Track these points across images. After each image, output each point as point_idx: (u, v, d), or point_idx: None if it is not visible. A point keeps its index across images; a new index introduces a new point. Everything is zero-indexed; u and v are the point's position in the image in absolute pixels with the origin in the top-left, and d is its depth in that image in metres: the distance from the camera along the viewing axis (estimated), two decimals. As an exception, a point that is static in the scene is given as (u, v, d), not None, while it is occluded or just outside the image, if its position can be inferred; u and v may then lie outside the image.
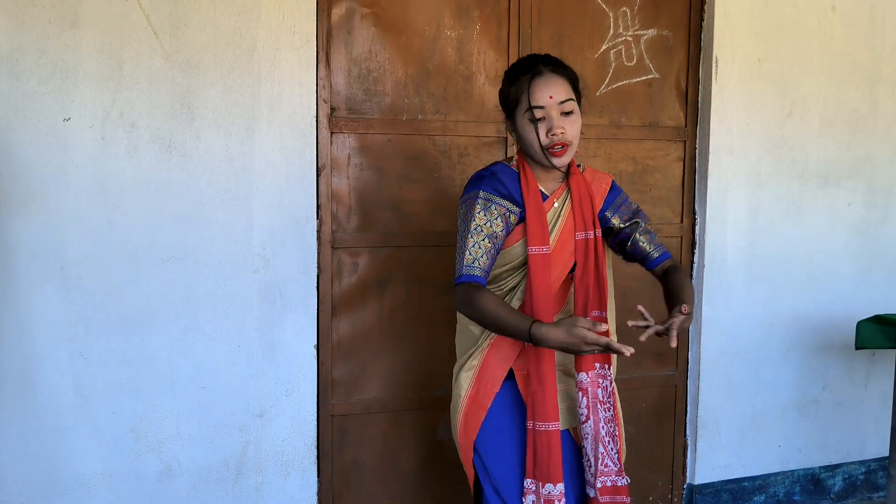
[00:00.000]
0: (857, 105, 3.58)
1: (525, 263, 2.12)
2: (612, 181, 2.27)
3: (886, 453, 3.75)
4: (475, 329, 2.20)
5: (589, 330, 1.86)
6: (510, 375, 2.18)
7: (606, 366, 2.16)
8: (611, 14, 3.22)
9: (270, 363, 2.83)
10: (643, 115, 3.32)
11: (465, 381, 2.21)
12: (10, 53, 2.47)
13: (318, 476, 2.96)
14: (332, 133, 2.89)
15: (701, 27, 3.36)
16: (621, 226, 2.24)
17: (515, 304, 2.15)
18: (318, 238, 2.88)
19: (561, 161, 2.07)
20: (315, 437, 2.92)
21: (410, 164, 3.01)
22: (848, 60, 3.53)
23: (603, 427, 2.15)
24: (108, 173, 2.59)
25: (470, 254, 2.06)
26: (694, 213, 3.43)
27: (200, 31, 2.64)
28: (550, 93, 2.03)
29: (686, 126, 3.39)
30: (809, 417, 3.65)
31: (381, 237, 3.00)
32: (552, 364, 2.12)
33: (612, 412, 2.17)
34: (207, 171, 2.69)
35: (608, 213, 2.24)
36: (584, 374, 2.13)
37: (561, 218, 2.14)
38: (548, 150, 2.05)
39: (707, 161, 3.35)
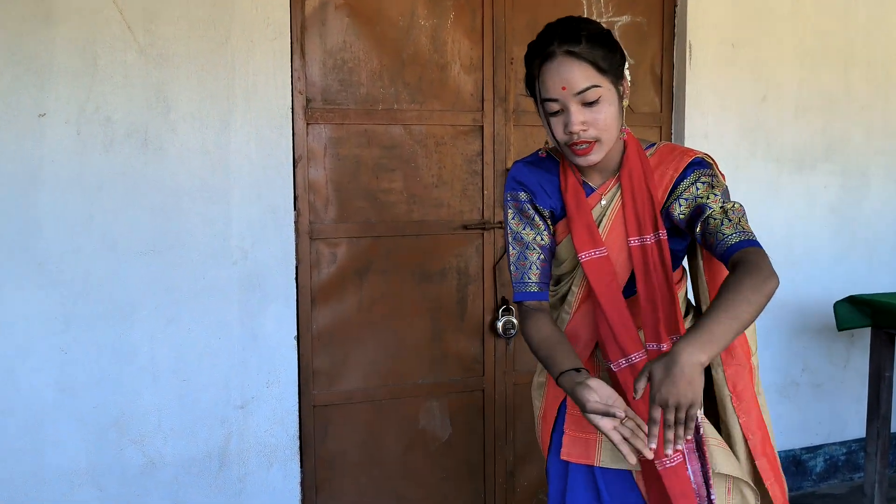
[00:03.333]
0: (831, 88, 3.68)
1: (575, 267, 1.87)
2: (694, 159, 1.81)
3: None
4: None
5: (595, 402, 1.59)
6: None
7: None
8: (584, 1, 3.31)
9: (251, 354, 2.91)
10: (618, 102, 3.39)
11: (536, 400, 2.03)
12: (-15, 50, 2.54)
13: (301, 466, 3.04)
14: (308, 124, 2.97)
15: (675, 13, 3.45)
16: (681, 216, 1.79)
17: (566, 313, 1.91)
18: (297, 229, 2.96)
19: (588, 160, 1.72)
20: (297, 428, 3.00)
21: (387, 154, 3.09)
22: (822, 44, 3.64)
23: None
24: (85, 168, 2.66)
25: (517, 268, 1.87)
26: (671, 199, 3.52)
27: (174, 24, 2.71)
28: (563, 83, 1.66)
29: (661, 112, 3.48)
30: (790, 399, 3.76)
31: (359, 227, 3.07)
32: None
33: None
34: (184, 164, 2.76)
35: (673, 203, 1.80)
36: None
37: (606, 218, 1.82)
38: (569, 148, 1.72)
39: (682, 146, 3.43)
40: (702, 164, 1.81)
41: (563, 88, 1.67)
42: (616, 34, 3.34)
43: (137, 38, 2.68)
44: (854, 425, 3.89)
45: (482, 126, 3.19)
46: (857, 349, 3.85)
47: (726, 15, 3.46)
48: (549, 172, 1.85)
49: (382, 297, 3.14)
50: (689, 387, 1.46)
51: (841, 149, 3.73)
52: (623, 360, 1.80)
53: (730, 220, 1.71)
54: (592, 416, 1.60)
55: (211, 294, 2.83)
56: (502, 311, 3.23)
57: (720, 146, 3.49)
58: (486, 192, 3.21)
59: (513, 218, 1.87)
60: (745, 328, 1.54)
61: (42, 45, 2.58)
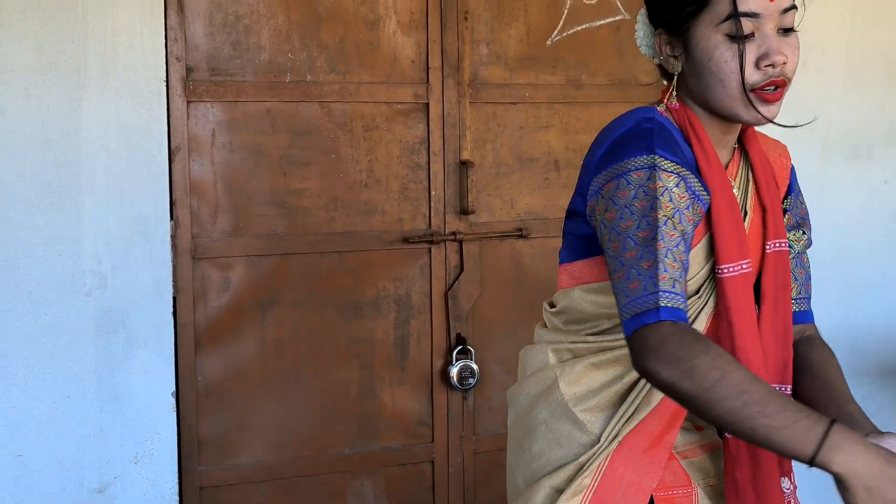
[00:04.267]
0: (891, 51, 3.72)
1: (700, 289, 1.72)
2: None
3: None
4: (591, 419, 1.75)
5: None
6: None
7: None
8: (563, -65, 3.32)
9: (113, 419, 2.86)
10: (610, 71, 3.42)
11: None
12: None
13: (184, 571, 2.99)
14: (188, 102, 2.94)
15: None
16: (792, 238, 1.86)
17: None
18: (174, 246, 2.93)
19: (773, 111, 1.67)
20: (178, 519, 2.95)
21: (298, 142, 3.07)
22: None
23: None
24: None
25: (665, 269, 1.52)
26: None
27: (1, -33, 2.66)
28: None
29: (669, 83, 3.49)
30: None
31: (262, 242, 3.05)
32: (776, 473, 1.71)
33: None
34: (16, 159, 2.72)
35: (787, 209, 1.87)
36: (787, 479, 1.73)
37: (749, 216, 1.78)
38: (756, 93, 1.64)
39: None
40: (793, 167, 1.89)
41: (772, 1, 1.61)
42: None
43: (-50, -13, 2.63)
44: None
45: (427, 104, 3.18)
46: None
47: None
48: (685, 144, 1.70)
49: (294, 338, 3.11)
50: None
51: (907, 131, 3.78)
52: None
53: (807, 273, 1.88)
54: None
55: (55, 337, 2.78)
56: (457, 353, 3.22)
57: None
58: (433, 192, 3.21)
59: (663, 193, 1.56)
60: None
61: None
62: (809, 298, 1.87)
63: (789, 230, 1.85)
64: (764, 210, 1.76)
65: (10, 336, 2.74)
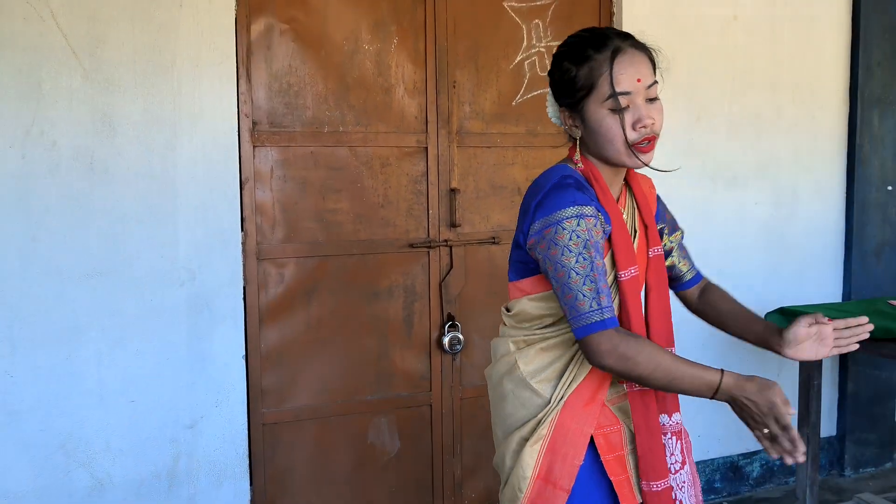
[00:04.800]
0: (760, 109, 3.75)
1: (609, 289, 1.70)
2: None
3: (800, 439, 3.93)
4: (542, 388, 1.76)
5: (783, 402, 1.58)
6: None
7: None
8: (524, 26, 3.34)
9: (200, 374, 2.87)
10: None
11: (530, 457, 1.73)
12: (-74, 75, 2.48)
13: (251, 484, 3.00)
14: (254, 146, 2.95)
15: (611, 37, 3.49)
16: (671, 239, 1.94)
17: None
18: (244, 250, 2.93)
19: (648, 158, 1.69)
20: (247, 446, 2.97)
21: (333, 175, 3.07)
22: (750, 66, 3.71)
23: (692, 474, 1.86)
24: (30, 191, 2.61)
25: (602, 291, 1.61)
26: (610, 216, 3.55)
27: (119, 49, 2.67)
28: (637, 75, 1.65)
29: (600, 132, 3.52)
30: (727, 408, 3.78)
31: (307, 247, 3.05)
32: (656, 411, 1.77)
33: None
34: (130, 187, 2.73)
35: (659, 224, 1.91)
36: (677, 414, 1.82)
37: (638, 233, 1.80)
38: (634, 147, 1.66)
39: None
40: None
41: (639, 80, 1.65)
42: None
43: (83, 63, 2.64)
44: (788, 431, 3.94)
45: (426, 147, 3.20)
46: (788, 359, 3.90)
47: (659, 40, 3.48)
48: (590, 188, 1.73)
49: (330, 316, 3.12)
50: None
51: (771, 167, 3.81)
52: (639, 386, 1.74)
53: (687, 253, 2.00)
54: (780, 404, 1.58)
55: (158, 316, 2.79)
56: (448, 327, 3.24)
57: (656, 164, 3.52)
58: (430, 211, 3.21)
59: (585, 232, 1.62)
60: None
61: (-15, 70, 2.54)
62: (694, 266, 2.00)
63: (671, 233, 1.93)
64: (646, 227, 1.80)
65: (126, 315, 2.76)
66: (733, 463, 3.84)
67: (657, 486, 1.74)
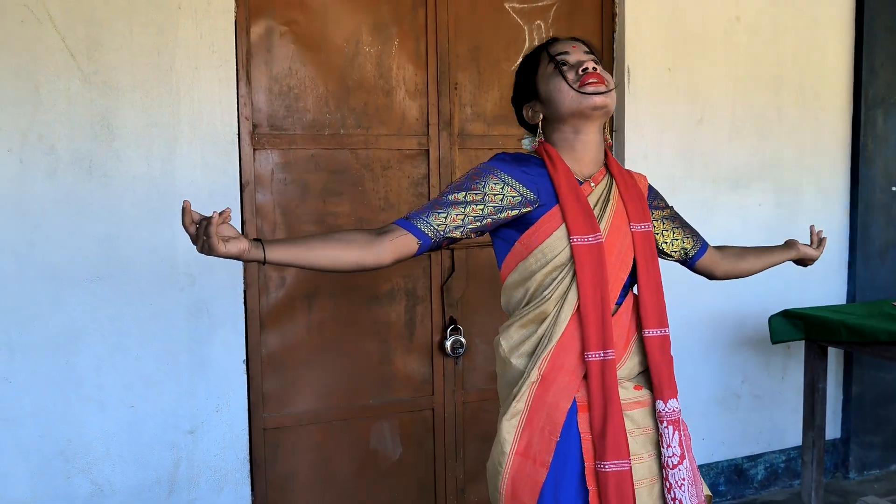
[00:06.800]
0: (763, 110, 3.72)
1: (570, 257, 1.73)
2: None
3: (804, 442, 3.89)
4: (519, 361, 1.77)
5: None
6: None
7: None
8: (525, 27, 3.30)
9: (200, 379, 2.83)
10: (560, 125, 3.39)
11: (508, 433, 1.72)
12: (-77, 78, 2.45)
13: (252, 489, 2.97)
14: (254, 149, 2.91)
15: (613, 39, 3.46)
16: (663, 215, 2.02)
17: (569, 312, 1.74)
18: (244, 254, 2.89)
19: (595, 89, 1.72)
20: (247, 451, 2.93)
21: (334, 178, 3.04)
22: (754, 68, 3.68)
23: (692, 471, 1.78)
24: (27, 195, 2.57)
25: (434, 212, 1.72)
26: (613, 218, 3.52)
27: (117, 52, 2.64)
28: (573, 44, 1.81)
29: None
30: (731, 410, 3.77)
31: (308, 251, 3.01)
32: (616, 386, 1.72)
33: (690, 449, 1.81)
34: (129, 191, 2.69)
35: (652, 210, 1.97)
36: (674, 400, 1.75)
37: (611, 204, 1.80)
38: (580, 86, 1.72)
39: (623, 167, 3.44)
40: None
41: (574, 47, 1.79)
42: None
43: (81, 67, 2.60)
44: (792, 434, 3.91)
45: (428, 150, 3.16)
46: (794, 361, 3.88)
47: (662, 41, 3.48)
48: (536, 164, 1.79)
49: (331, 320, 3.08)
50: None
51: (773, 168, 3.77)
52: (598, 354, 1.71)
53: (687, 224, 2.07)
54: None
55: (158, 321, 2.76)
56: (450, 330, 3.20)
57: (659, 166, 3.50)
58: (432, 214, 3.17)
59: (475, 181, 1.74)
60: None
61: (-18, 73, 2.50)
62: (698, 235, 2.06)
63: (663, 209, 2.01)
64: (625, 202, 1.83)
65: (125, 319, 2.72)
66: (737, 466, 3.80)
67: (607, 467, 1.65)
